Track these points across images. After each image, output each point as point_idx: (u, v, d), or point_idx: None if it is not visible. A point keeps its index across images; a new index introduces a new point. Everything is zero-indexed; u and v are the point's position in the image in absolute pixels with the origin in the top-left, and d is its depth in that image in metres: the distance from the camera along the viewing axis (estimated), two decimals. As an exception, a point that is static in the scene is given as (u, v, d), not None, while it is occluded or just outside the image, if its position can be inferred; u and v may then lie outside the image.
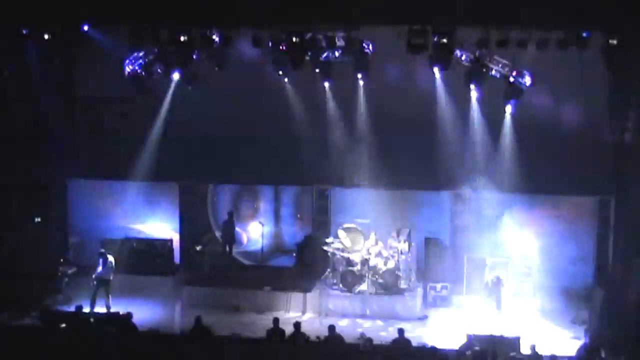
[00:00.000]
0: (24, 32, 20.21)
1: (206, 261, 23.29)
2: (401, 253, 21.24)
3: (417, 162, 21.71)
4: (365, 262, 21.16)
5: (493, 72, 19.99)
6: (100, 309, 19.94)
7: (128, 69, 21.05)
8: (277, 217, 25.16)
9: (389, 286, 21.00)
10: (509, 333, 18.51)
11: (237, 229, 24.18)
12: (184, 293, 21.58)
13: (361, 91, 21.92)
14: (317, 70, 20.80)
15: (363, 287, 21.02)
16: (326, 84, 21.88)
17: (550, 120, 21.25)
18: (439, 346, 17.09)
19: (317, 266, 22.30)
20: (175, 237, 23.83)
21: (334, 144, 22.35)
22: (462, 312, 20.86)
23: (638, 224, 19.47)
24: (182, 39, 19.82)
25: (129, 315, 17.35)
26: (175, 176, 23.33)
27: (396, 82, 21.35)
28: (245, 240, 23.64)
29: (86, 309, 19.22)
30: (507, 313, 19.44)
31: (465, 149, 21.56)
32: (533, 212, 22.24)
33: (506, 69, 19.94)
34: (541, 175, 21.11)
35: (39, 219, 22.38)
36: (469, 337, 17.27)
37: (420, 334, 19.07)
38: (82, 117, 23.33)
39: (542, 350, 16.20)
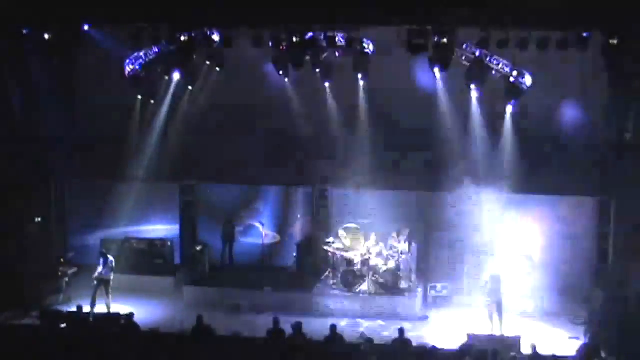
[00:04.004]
0: (24, 32, 20.23)
1: (206, 261, 23.27)
2: (401, 253, 21.23)
3: (417, 162, 21.72)
4: (365, 262, 21.16)
5: (493, 72, 19.99)
6: (100, 308, 19.94)
7: (128, 69, 21.06)
8: (277, 218, 25.12)
9: (389, 286, 21.00)
10: (509, 333, 18.55)
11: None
12: (184, 293, 21.58)
13: (361, 91, 21.91)
14: (318, 70, 20.78)
15: (363, 287, 21.01)
16: (326, 84, 21.87)
17: (550, 120, 21.26)
18: (439, 346, 17.10)
19: (317, 266, 22.29)
20: (175, 237, 23.84)
21: (334, 144, 22.34)
22: (463, 312, 20.88)
23: (638, 224, 19.49)
24: (182, 39, 19.85)
25: (130, 315, 17.36)
26: (175, 176, 23.33)
27: (396, 82, 21.32)
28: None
29: (86, 309, 19.20)
30: (507, 313, 19.42)
31: (465, 149, 21.54)
32: (533, 212, 22.22)
33: (506, 69, 19.94)
34: (541, 176, 21.11)
35: (39, 219, 22.36)
36: (469, 337, 17.28)
37: (420, 334, 19.08)
38: (81, 117, 23.32)
39: (542, 350, 16.20)
